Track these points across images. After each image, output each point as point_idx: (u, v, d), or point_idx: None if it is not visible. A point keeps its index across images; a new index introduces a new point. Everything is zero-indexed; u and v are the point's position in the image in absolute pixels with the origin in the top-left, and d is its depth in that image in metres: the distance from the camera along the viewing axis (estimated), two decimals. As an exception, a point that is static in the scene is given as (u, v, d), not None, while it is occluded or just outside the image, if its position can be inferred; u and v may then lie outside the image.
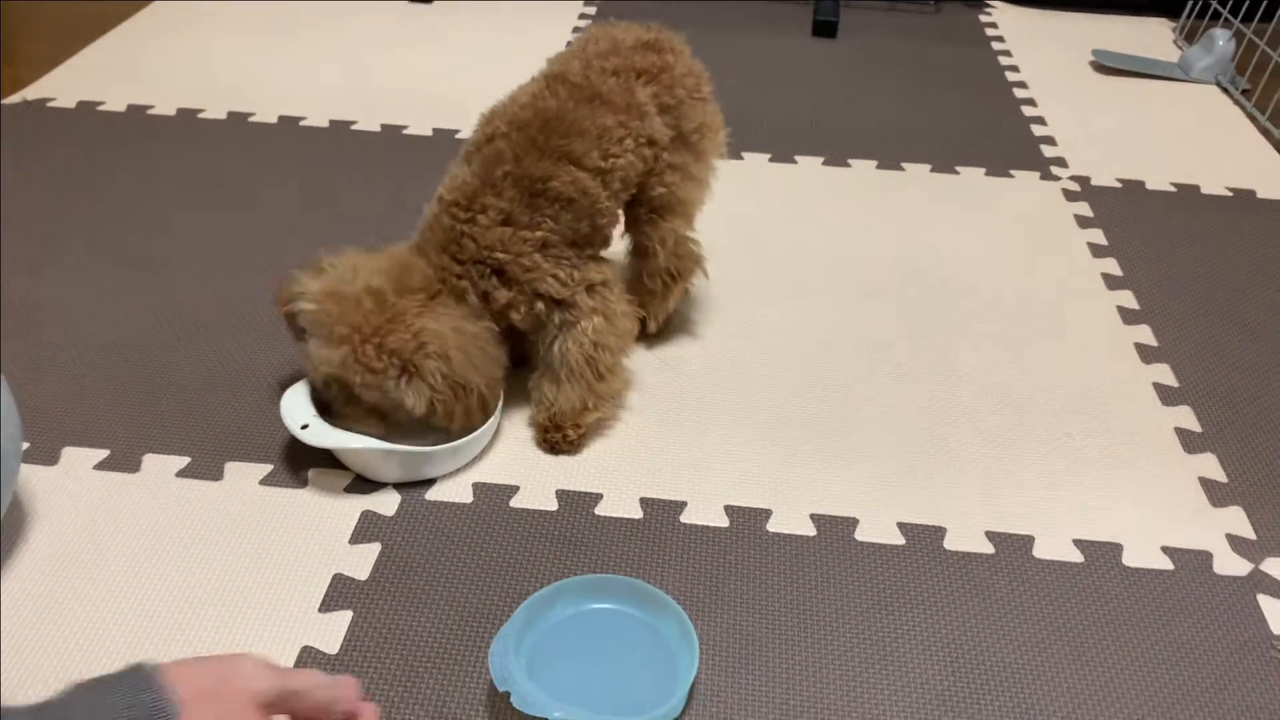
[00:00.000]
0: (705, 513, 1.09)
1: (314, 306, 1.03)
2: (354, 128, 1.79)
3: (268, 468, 1.11)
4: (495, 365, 1.10)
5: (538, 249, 1.08)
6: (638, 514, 1.08)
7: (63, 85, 1.88)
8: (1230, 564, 1.06)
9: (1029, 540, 1.07)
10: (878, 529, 1.08)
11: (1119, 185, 1.72)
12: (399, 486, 1.10)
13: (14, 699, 0.87)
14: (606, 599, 0.96)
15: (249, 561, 1.01)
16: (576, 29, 2.20)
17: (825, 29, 2.24)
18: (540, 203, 1.08)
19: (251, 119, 1.80)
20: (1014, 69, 2.13)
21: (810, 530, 1.07)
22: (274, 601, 0.97)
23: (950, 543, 1.07)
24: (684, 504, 1.09)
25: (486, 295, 1.09)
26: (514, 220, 1.07)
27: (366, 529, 1.05)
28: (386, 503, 1.08)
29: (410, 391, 1.03)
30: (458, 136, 1.76)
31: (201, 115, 1.80)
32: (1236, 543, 1.09)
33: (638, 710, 0.86)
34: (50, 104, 1.82)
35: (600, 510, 1.08)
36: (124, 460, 1.11)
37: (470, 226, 1.07)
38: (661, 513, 1.08)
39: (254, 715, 0.62)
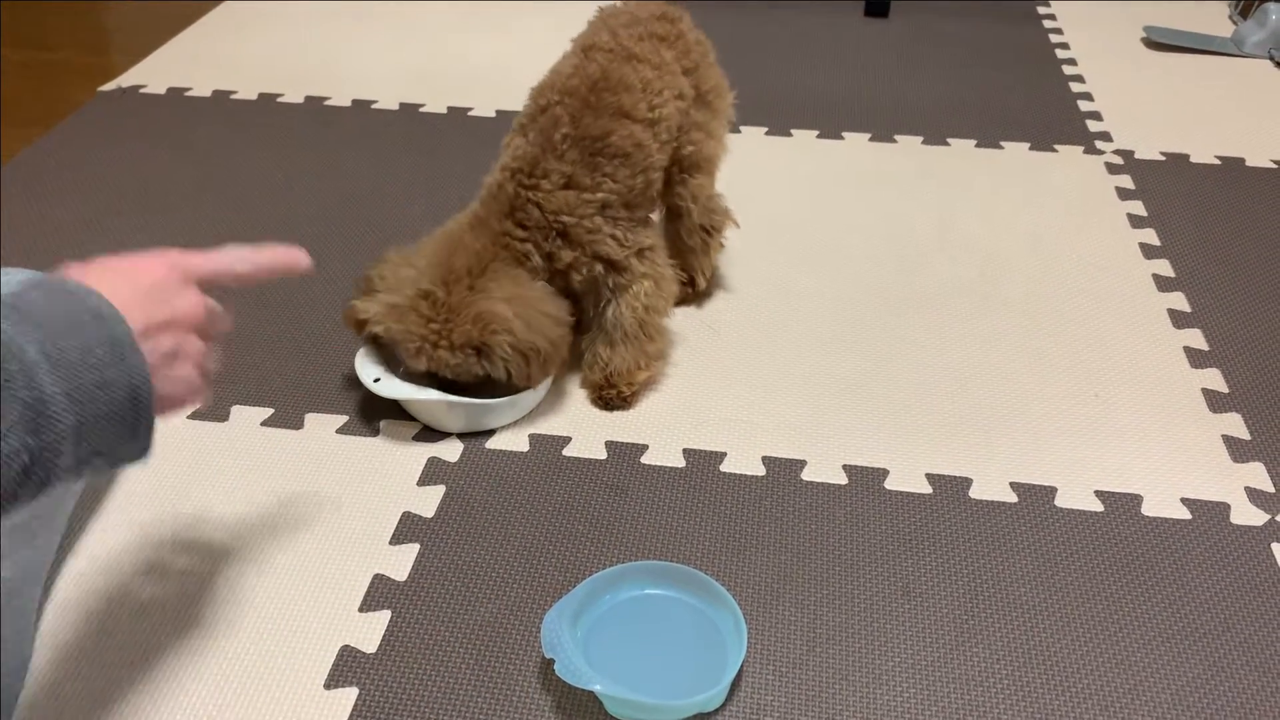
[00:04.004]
0: (744, 462, 1.16)
1: (382, 328, 1.12)
2: (422, 110, 1.89)
3: (343, 418, 1.21)
4: (556, 323, 1.16)
5: (598, 211, 1.15)
6: (681, 463, 1.16)
7: (153, 73, 2.01)
8: (1248, 515, 1.11)
9: (1051, 491, 1.13)
10: (906, 479, 1.15)
11: (1162, 158, 1.75)
12: (462, 436, 1.19)
13: (117, 615, 0.98)
14: (668, 586, 1.00)
15: (326, 500, 1.11)
16: (634, 13, 2.27)
17: (878, 9, 2.29)
18: (600, 161, 1.15)
19: (327, 102, 1.91)
20: (1064, 46, 2.16)
21: (842, 479, 1.15)
22: (349, 535, 1.07)
23: (975, 492, 1.13)
24: (724, 454, 1.17)
25: (550, 256, 1.16)
26: (576, 183, 1.14)
27: (432, 473, 1.15)
28: (451, 450, 1.18)
29: (489, 365, 1.12)
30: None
31: (281, 99, 1.92)
32: (1255, 495, 1.13)
33: (680, 695, 0.89)
34: (142, 90, 1.95)
35: (646, 459, 1.17)
36: (214, 411, 1.23)
37: (535, 193, 1.14)
38: (703, 462, 1.16)
39: (174, 280, 0.73)
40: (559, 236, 1.15)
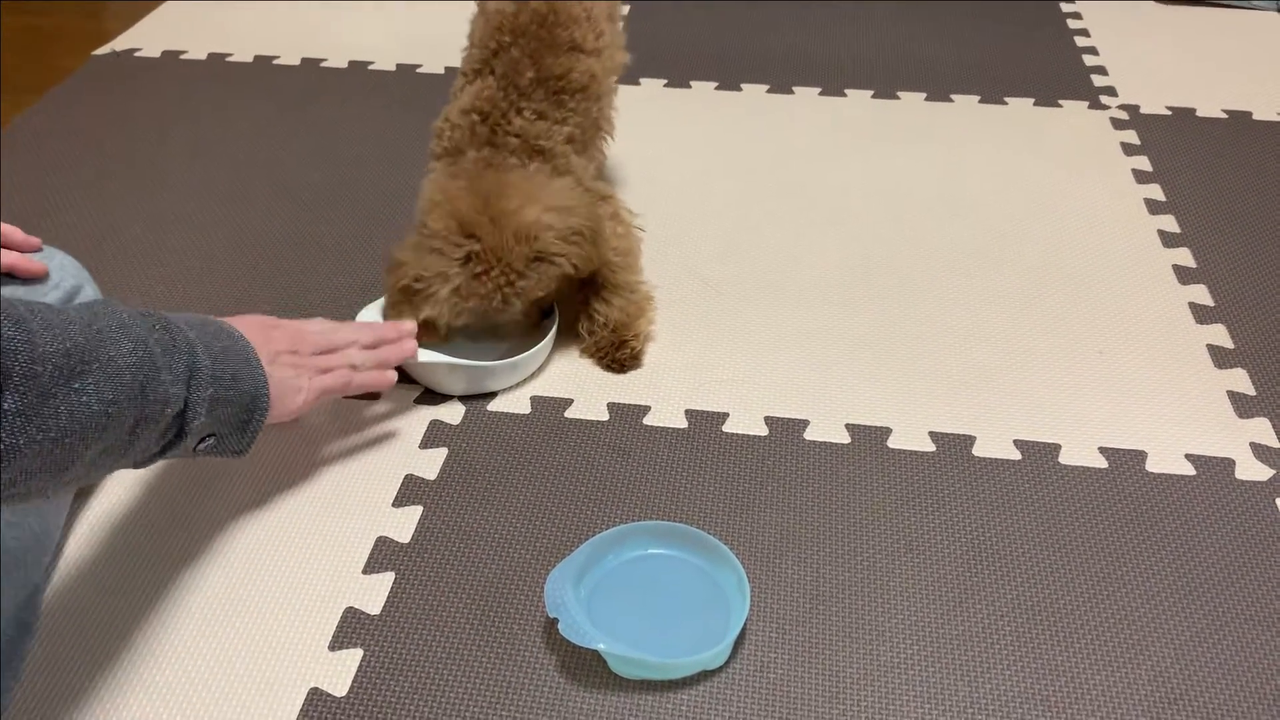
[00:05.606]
0: (746, 423, 1.16)
1: (461, 319, 1.13)
2: (419, 71, 1.87)
3: (344, 382, 1.21)
4: (572, 196, 1.16)
5: (566, 141, 1.21)
6: (683, 424, 1.16)
7: (147, 37, 1.99)
8: (1252, 470, 1.11)
9: (1055, 448, 1.13)
10: (910, 437, 1.14)
11: (1168, 113, 1.73)
12: (464, 399, 1.19)
13: (121, 577, 0.98)
14: (671, 546, 1.00)
15: (329, 463, 1.11)
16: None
17: (880, -36, 2.25)
18: (564, 98, 1.21)
19: (324, 64, 1.89)
20: (1069, 0, 2.13)
21: (845, 438, 1.14)
22: (352, 498, 1.07)
23: (979, 449, 1.13)
24: (726, 415, 1.17)
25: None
26: (547, 116, 1.20)
27: (435, 436, 1.14)
28: (453, 413, 1.17)
29: (560, 265, 1.13)
30: (517, 77, 1.83)
31: (277, 61, 1.90)
32: (1261, 451, 1.13)
33: (683, 653, 0.90)
34: (137, 54, 1.93)
35: (648, 421, 1.16)
36: (215, 376, 1.22)
37: (510, 126, 1.18)
38: (705, 423, 1.16)
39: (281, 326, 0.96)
40: (539, 155, 1.19)
